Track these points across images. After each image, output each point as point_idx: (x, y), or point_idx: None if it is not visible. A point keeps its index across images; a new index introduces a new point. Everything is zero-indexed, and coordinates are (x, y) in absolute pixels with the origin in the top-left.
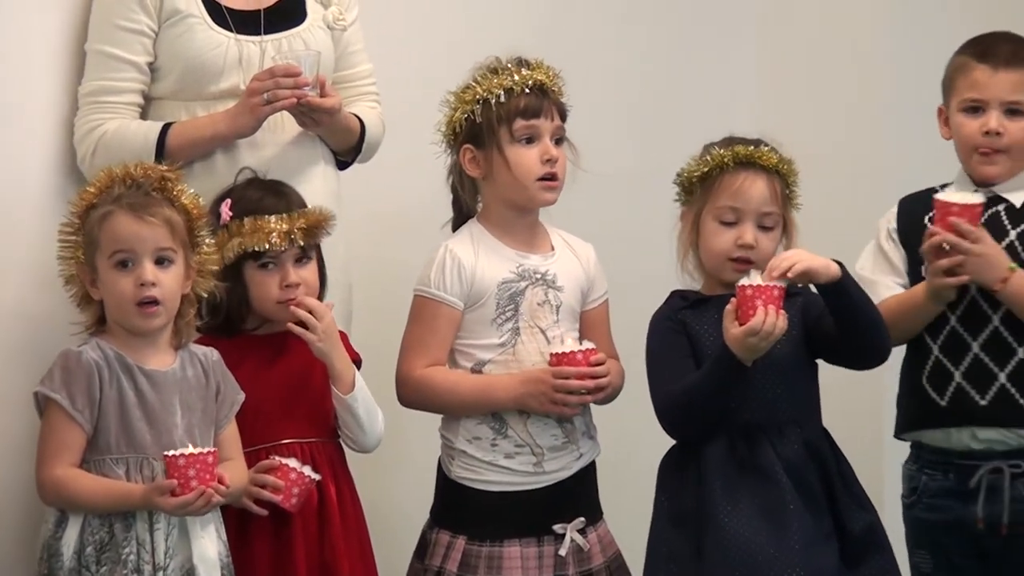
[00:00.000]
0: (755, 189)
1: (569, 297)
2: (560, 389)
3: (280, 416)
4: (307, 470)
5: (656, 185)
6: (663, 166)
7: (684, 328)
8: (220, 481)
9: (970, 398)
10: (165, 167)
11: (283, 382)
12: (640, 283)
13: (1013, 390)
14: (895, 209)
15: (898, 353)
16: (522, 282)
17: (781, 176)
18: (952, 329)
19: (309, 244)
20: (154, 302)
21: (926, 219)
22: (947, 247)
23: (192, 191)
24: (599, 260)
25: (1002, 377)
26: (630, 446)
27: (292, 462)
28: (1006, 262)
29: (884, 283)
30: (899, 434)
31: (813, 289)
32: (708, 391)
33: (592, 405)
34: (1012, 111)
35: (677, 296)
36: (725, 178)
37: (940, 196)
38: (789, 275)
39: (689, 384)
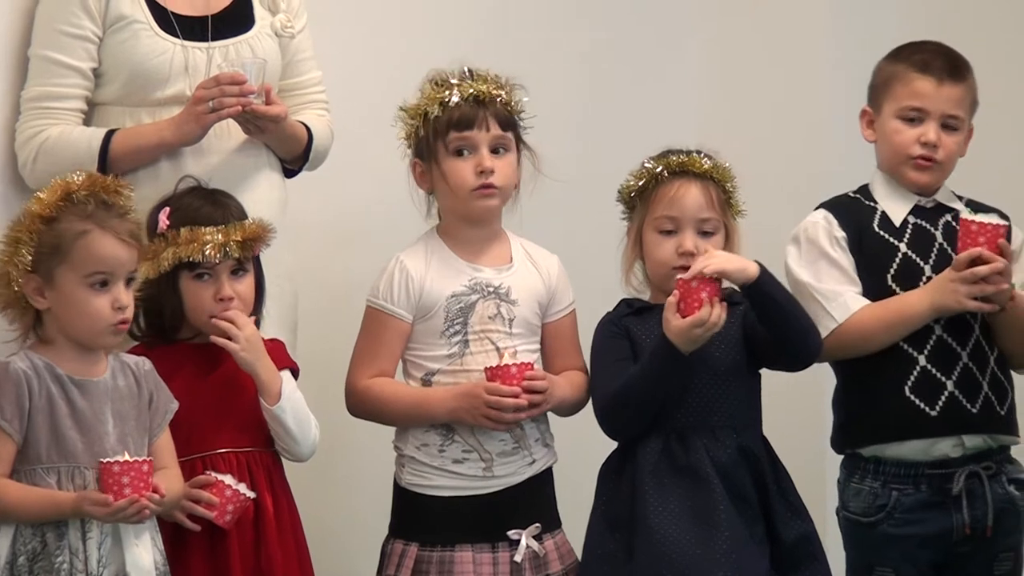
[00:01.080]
0: (689, 196)
1: (524, 310)
2: (492, 404)
3: (216, 426)
4: (242, 488)
5: (604, 193)
6: (609, 174)
7: (627, 333)
8: (155, 491)
9: (963, 407)
10: (120, 180)
11: (218, 391)
12: (605, 292)
13: (993, 397)
14: (828, 216)
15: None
16: (473, 295)
17: (716, 182)
18: (940, 339)
19: (245, 256)
20: (125, 322)
21: (875, 226)
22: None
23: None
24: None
25: (985, 385)
26: (595, 457)
27: (228, 479)
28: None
29: (849, 293)
30: (856, 448)
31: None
32: (647, 382)
33: (551, 415)
34: (947, 125)
35: (623, 303)
36: (660, 188)
37: (978, 218)
38: (704, 273)
39: (628, 377)
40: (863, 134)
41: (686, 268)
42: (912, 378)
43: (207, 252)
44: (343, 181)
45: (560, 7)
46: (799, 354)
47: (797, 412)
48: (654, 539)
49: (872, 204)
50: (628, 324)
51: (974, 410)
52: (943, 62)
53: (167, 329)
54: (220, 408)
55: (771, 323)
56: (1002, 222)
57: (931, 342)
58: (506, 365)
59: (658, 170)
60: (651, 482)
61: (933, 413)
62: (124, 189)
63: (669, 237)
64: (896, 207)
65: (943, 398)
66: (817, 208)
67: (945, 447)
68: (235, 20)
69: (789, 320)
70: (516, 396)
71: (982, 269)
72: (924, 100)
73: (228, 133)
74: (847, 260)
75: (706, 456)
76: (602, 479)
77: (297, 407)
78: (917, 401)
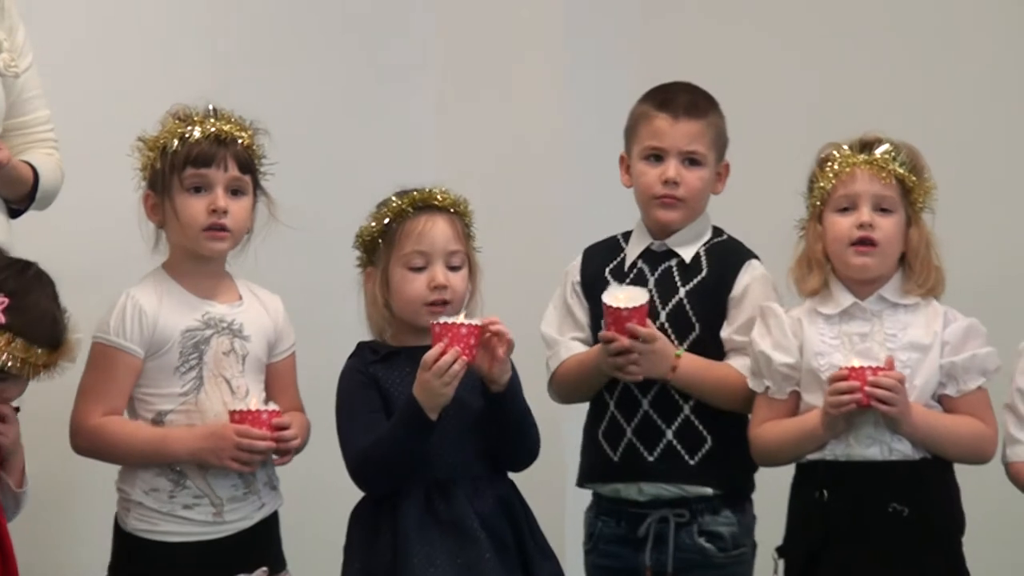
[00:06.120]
0: (438, 229)
1: (256, 347)
2: (243, 448)
3: None
4: None
5: (340, 237)
6: (344, 219)
7: (375, 382)
8: None
9: (639, 454)
10: None
11: None
12: (327, 335)
13: (679, 447)
14: (577, 261)
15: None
16: (207, 330)
17: (459, 215)
18: (625, 386)
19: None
20: None
21: (607, 272)
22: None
23: None
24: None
25: (669, 434)
26: (317, 497)
27: None
28: (672, 351)
29: (566, 344)
30: (580, 484)
31: None
32: (397, 444)
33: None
34: (689, 160)
35: (366, 349)
36: (407, 225)
37: (608, 299)
38: (490, 329)
39: (379, 438)
40: (621, 180)
41: (439, 302)
42: (604, 423)
43: (27, 371)
44: (71, 220)
45: (290, 48)
46: (508, 458)
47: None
48: None
49: (624, 246)
50: (376, 372)
51: (651, 458)
52: (681, 99)
53: None
54: None
55: (499, 425)
56: (632, 303)
57: (618, 389)
58: (257, 410)
59: (404, 206)
60: (416, 538)
61: (615, 458)
62: None
63: (419, 273)
64: (634, 250)
65: (623, 444)
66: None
67: (631, 492)
68: None
69: (516, 432)
70: (265, 440)
71: (612, 347)
72: (662, 138)
73: None
74: (579, 306)
75: (470, 508)
76: (355, 528)
77: None
78: (605, 446)
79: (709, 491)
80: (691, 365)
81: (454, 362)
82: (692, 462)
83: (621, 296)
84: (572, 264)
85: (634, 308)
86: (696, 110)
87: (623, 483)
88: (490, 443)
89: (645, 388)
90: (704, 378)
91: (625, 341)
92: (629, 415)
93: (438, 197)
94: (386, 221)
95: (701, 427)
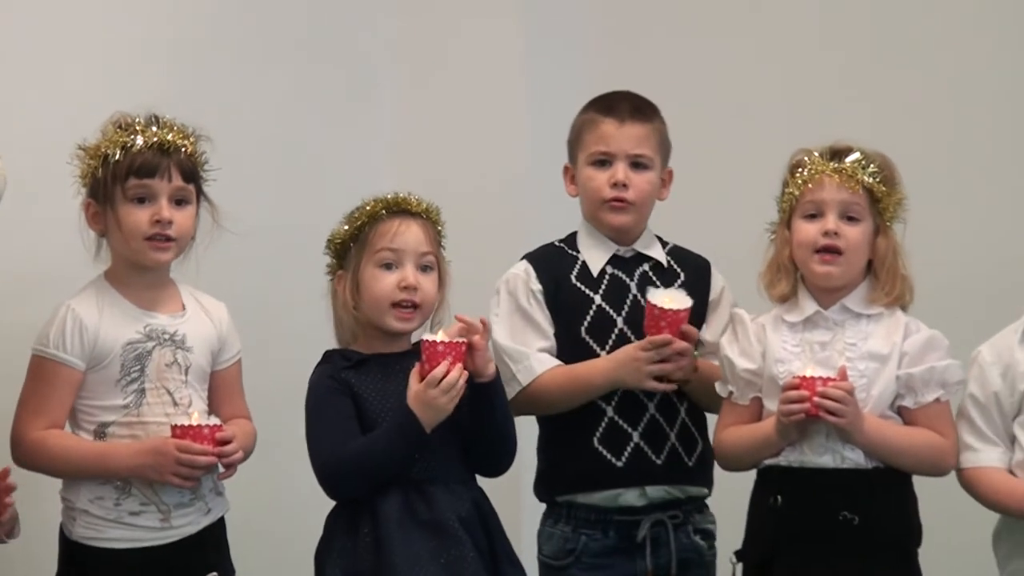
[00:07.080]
0: (411, 232)
1: (199, 358)
2: (184, 463)
3: None
4: None
5: (297, 244)
6: (303, 225)
7: (349, 389)
8: None
9: (647, 458)
10: None
11: None
12: (282, 341)
13: (680, 448)
14: (528, 268)
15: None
16: (149, 343)
17: (432, 223)
18: (627, 391)
19: None
20: None
21: (573, 278)
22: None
23: None
24: (232, 319)
25: (672, 436)
26: (268, 502)
27: None
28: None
29: (536, 356)
30: (552, 496)
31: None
32: (387, 454)
33: None
34: (636, 164)
35: (336, 356)
36: (380, 226)
37: (657, 301)
38: (465, 322)
39: (367, 448)
40: (567, 190)
41: (406, 303)
42: (600, 429)
43: None
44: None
45: (247, 54)
46: (490, 461)
47: None
48: None
49: (574, 253)
50: (348, 378)
51: (658, 461)
52: (626, 104)
53: None
54: None
55: (480, 424)
56: (684, 305)
57: (618, 394)
58: (198, 426)
59: (378, 209)
60: (399, 538)
61: (619, 464)
62: None
63: (389, 272)
64: (595, 256)
65: (629, 449)
66: (522, 258)
67: (631, 497)
68: None
69: (497, 430)
70: (207, 455)
71: (664, 351)
72: (609, 142)
73: None
74: (542, 314)
75: (451, 510)
76: (336, 533)
77: None
78: (604, 452)
79: (706, 491)
80: (704, 367)
81: (459, 377)
82: (690, 463)
83: (667, 300)
84: (516, 273)
85: (687, 309)
86: (641, 114)
87: (627, 488)
88: (471, 446)
89: (650, 392)
90: (712, 382)
91: (682, 344)
92: (634, 420)
93: (412, 202)
94: (359, 223)
95: (694, 429)
